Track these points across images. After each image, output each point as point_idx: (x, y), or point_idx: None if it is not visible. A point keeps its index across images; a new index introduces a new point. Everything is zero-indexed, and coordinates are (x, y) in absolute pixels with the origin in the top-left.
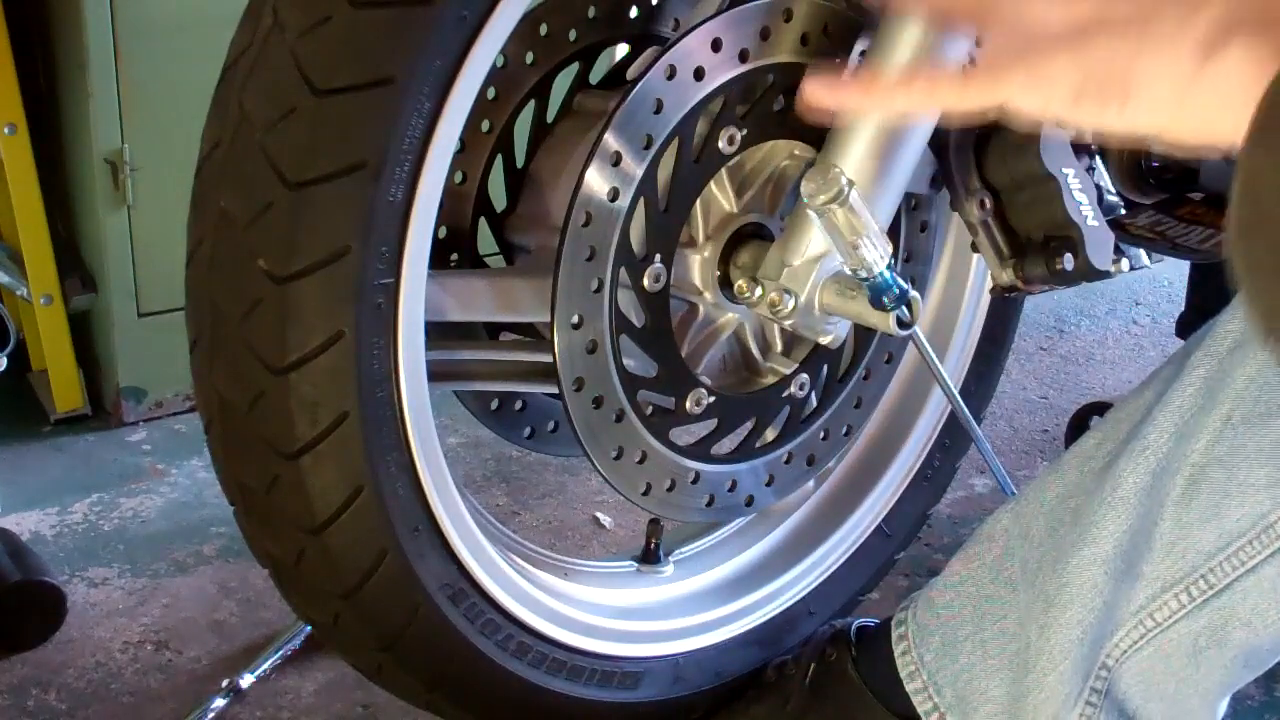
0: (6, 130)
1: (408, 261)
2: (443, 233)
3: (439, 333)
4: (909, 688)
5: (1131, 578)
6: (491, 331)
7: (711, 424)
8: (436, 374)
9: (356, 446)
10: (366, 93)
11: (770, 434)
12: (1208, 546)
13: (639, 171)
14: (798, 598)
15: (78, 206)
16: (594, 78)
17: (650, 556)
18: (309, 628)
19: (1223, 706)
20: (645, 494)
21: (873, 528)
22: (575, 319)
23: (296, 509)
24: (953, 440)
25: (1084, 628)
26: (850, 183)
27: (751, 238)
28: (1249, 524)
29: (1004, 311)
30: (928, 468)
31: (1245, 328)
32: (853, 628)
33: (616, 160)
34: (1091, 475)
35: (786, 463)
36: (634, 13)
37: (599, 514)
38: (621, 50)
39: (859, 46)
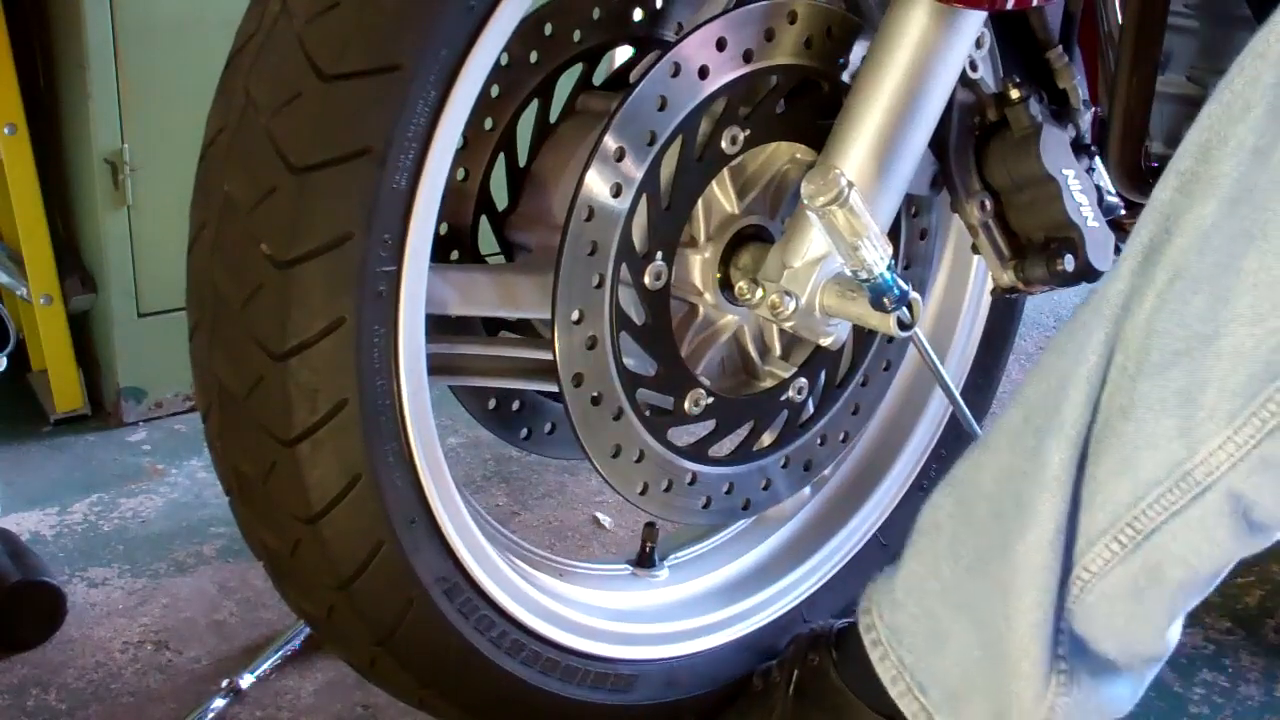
0: (6, 130)
1: (410, 250)
2: (444, 229)
3: (438, 327)
4: (893, 692)
5: (1071, 541)
6: (490, 329)
7: (709, 425)
8: (435, 368)
9: (355, 434)
10: (373, 79)
11: (767, 438)
12: (1125, 498)
13: (642, 168)
14: (792, 605)
15: (78, 206)
16: (597, 79)
17: (645, 560)
18: (309, 628)
19: (1174, 630)
20: (642, 493)
21: (869, 537)
22: (576, 315)
23: (293, 497)
24: (950, 449)
25: (1044, 609)
26: (850, 184)
27: (752, 239)
28: (1164, 473)
29: (1005, 312)
30: (924, 477)
31: (1133, 284)
32: (833, 630)
33: (620, 156)
34: (1025, 455)
35: (783, 467)
36: (638, 15)
37: (599, 514)
38: (624, 53)
39: (859, 49)
